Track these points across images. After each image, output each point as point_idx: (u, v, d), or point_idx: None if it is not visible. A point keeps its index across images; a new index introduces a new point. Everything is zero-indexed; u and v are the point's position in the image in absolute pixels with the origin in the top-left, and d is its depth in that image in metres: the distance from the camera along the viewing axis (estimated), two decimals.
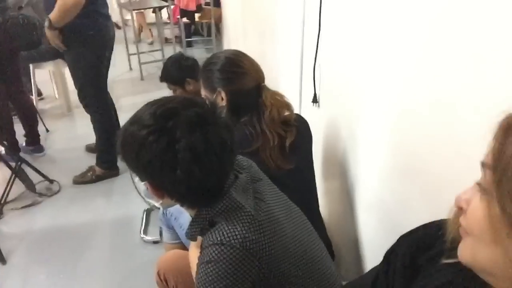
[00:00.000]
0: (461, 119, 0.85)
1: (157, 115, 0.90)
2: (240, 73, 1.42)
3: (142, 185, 1.30)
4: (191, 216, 1.02)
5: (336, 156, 1.66)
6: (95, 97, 2.62)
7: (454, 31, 0.85)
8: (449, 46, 0.87)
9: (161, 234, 2.01)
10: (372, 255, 1.41)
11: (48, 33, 2.30)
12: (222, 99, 1.42)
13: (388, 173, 1.23)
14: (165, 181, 0.92)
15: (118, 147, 0.97)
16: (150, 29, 6.08)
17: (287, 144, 1.37)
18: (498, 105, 0.66)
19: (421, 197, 1.05)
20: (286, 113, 1.43)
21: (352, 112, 1.46)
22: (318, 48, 1.68)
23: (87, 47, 2.42)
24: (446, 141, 0.90)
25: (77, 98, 2.65)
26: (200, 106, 0.94)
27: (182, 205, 1.01)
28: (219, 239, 0.89)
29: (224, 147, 0.92)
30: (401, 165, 1.15)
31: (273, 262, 0.93)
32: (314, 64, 1.73)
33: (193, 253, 1.22)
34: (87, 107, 2.67)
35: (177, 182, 0.90)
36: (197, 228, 0.99)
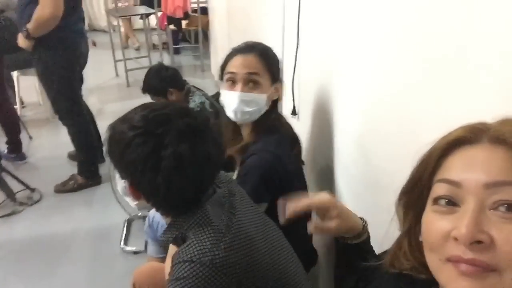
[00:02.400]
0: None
1: (149, 118, 0.92)
2: None
3: (123, 195, 1.29)
4: (166, 224, 1.03)
5: (315, 169, 1.67)
6: (68, 110, 2.62)
7: (424, 40, 0.87)
8: (425, 52, 0.89)
9: (146, 247, 1.99)
10: None
11: (23, 42, 2.31)
12: (277, 90, 1.40)
13: (361, 186, 1.25)
14: (144, 184, 0.93)
15: (104, 141, 0.99)
16: (134, 35, 6.06)
17: None
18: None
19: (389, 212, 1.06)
20: None
21: (330, 124, 1.48)
22: (297, 61, 1.70)
23: (55, 60, 2.42)
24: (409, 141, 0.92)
25: None
26: (193, 117, 0.95)
27: (157, 210, 1.03)
28: (189, 256, 0.90)
29: (208, 161, 0.94)
30: (372, 180, 1.17)
31: (243, 279, 0.93)
32: (293, 76, 1.74)
33: (169, 265, 1.23)
34: (61, 119, 2.67)
35: (155, 187, 0.91)
36: (170, 236, 1.00)
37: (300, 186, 1.43)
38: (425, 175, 0.55)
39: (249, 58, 1.33)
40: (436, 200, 0.52)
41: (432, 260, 0.52)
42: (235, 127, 1.46)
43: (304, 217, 1.04)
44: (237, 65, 1.33)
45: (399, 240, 0.63)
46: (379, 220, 1.10)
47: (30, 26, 2.25)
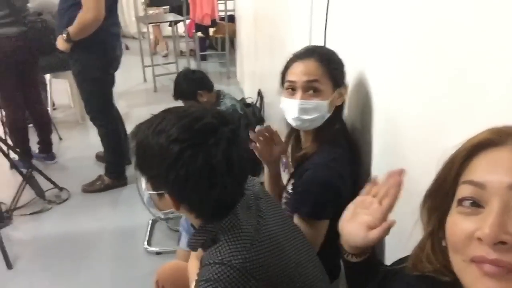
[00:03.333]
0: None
1: (193, 129, 0.89)
2: None
3: (148, 206, 1.31)
4: (194, 226, 1.03)
5: None
6: (100, 111, 2.70)
7: (445, 33, 0.87)
8: (444, 47, 0.88)
9: (179, 240, 2.00)
10: None
11: (62, 44, 2.39)
12: (342, 95, 1.33)
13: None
14: (194, 195, 0.92)
15: (132, 154, 0.98)
16: (166, 42, 6.19)
17: None
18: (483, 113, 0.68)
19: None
20: None
21: (356, 127, 1.47)
22: None
23: (92, 62, 2.50)
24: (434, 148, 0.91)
25: None
26: (234, 123, 0.95)
27: (191, 216, 1.00)
28: (220, 258, 0.90)
29: (245, 164, 0.96)
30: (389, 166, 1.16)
31: (272, 282, 0.93)
32: None
33: (193, 265, 1.24)
34: (92, 120, 2.75)
35: (207, 197, 0.91)
36: (200, 240, 0.99)
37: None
38: (450, 177, 0.56)
39: (309, 64, 1.27)
40: (460, 202, 0.52)
41: (457, 262, 0.53)
42: (297, 136, 1.42)
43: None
44: (296, 72, 1.28)
45: (422, 242, 0.63)
46: (403, 225, 1.10)
47: (71, 29, 2.33)
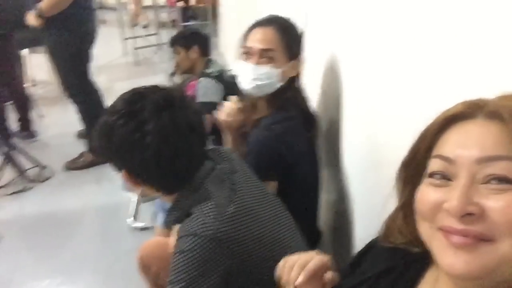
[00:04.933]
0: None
1: (126, 100, 0.94)
2: None
3: (127, 191, 1.29)
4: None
5: (323, 149, 1.66)
6: (77, 88, 2.63)
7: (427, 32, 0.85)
8: (421, 45, 0.87)
9: (155, 218, 2.01)
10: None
11: (34, 21, 2.30)
12: (296, 67, 1.37)
13: (364, 167, 1.24)
14: (136, 166, 0.95)
15: (94, 141, 1.00)
16: (143, 12, 6.02)
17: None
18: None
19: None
20: None
21: (337, 107, 1.46)
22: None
23: (67, 37, 2.42)
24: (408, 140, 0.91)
25: None
26: (168, 91, 0.98)
27: (157, 191, 1.03)
28: (193, 230, 0.92)
29: (192, 129, 0.96)
30: (375, 159, 1.16)
31: (245, 252, 0.95)
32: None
33: (174, 240, 1.25)
34: (70, 97, 2.68)
35: (147, 165, 0.93)
36: (174, 217, 1.02)
37: (310, 169, 1.42)
38: (422, 150, 0.56)
39: (267, 32, 1.32)
40: (431, 175, 0.53)
41: (424, 229, 0.54)
42: (253, 101, 1.45)
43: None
44: (254, 39, 1.33)
45: (394, 213, 0.63)
46: (381, 196, 1.10)
47: (43, 5, 2.25)
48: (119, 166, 0.99)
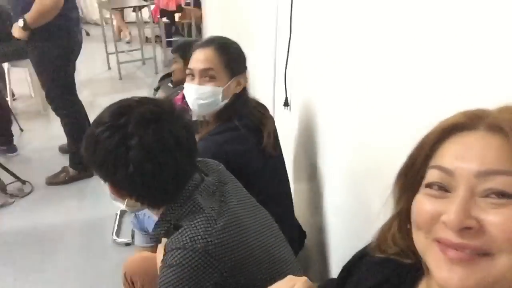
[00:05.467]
0: (419, 121, 0.87)
1: (112, 111, 0.92)
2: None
3: (112, 200, 1.27)
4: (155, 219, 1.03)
5: (306, 159, 1.68)
6: (62, 100, 2.60)
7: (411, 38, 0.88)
8: (409, 51, 0.89)
9: (133, 237, 2.00)
10: (339, 259, 1.43)
11: (19, 32, 2.27)
12: (240, 84, 1.42)
13: (351, 174, 1.26)
14: (120, 179, 0.92)
15: (81, 151, 0.98)
16: (127, 28, 6.02)
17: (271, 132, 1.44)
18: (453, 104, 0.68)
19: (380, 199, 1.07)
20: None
21: (320, 115, 1.48)
22: (289, 52, 1.70)
23: (52, 48, 2.39)
24: (405, 142, 0.92)
25: None
26: (156, 104, 0.95)
27: (142, 204, 1.01)
28: (182, 243, 0.90)
29: (179, 144, 0.92)
30: (363, 166, 1.17)
31: (236, 265, 0.94)
32: (285, 68, 1.74)
33: (161, 255, 1.23)
34: (55, 110, 2.64)
35: (131, 179, 0.91)
36: (161, 230, 1.00)
37: (270, 178, 1.45)
38: (420, 159, 0.55)
39: (206, 51, 1.37)
40: (428, 185, 0.52)
41: (419, 239, 0.52)
42: (205, 119, 1.52)
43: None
44: (195, 60, 1.39)
45: (389, 221, 0.62)
46: (372, 207, 1.12)
47: (29, 17, 2.22)
48: (104, 178, 0.97)
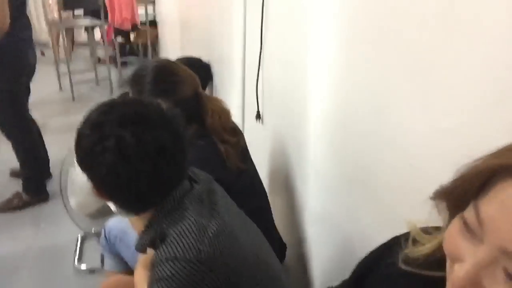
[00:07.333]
0: (402, 128, 0.88)
1: (97, 109, 0.89)
2: (177, 81, 1.34)
3: (76, 210, 1.20)
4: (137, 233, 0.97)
5: (281, 172, 1.66)
6: (13, 125, 2.43)
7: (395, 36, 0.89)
8: (391, 50, 0.90)
9: (102, 262, 1.87)
10: (321, 269, 1.41)
11: None
12: None
13: (335, 184, 1.25)
14: (97, 180, 0.89)
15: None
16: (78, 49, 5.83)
17: (239, 150, 1.37)
18: (440, 110, 0.69)
19: (366, 207, 1.07)
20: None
21: (296, 126, 1.48)
22: (260, 65, 1.70)
23: (0, 71, 2.23)
24: (389, 151, 0.93)
25: None
26: (145, 105, 0.90)
27: (122, 209, 0.95)
28: (172, 254, 0.85)
29: (162, 151, 0.86)
30: (346, 176, 1.17)
31: (230, 273, 0.90)
32: (257, 80, 1.74)
33: (140, 275, 1.15)
34: (5, 134, 2.46)
35: (107, 181, 0.87)
36: (147, 239, 0.93)
37: (243, 194, 1.35)
38: (470, 185, 0.48)
39: None
40: (464, 221, 0.47)
41: (447, 261, 0.50)
42: None
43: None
44: None
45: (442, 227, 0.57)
46: (353, 215, 1.11)
47: None
48: (87, 176, 0.91)
